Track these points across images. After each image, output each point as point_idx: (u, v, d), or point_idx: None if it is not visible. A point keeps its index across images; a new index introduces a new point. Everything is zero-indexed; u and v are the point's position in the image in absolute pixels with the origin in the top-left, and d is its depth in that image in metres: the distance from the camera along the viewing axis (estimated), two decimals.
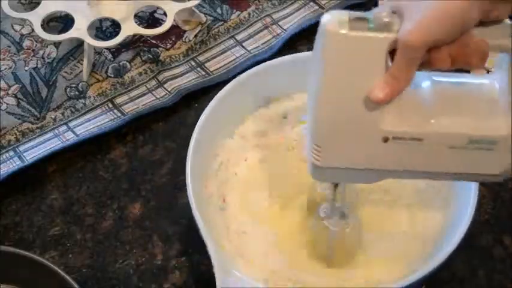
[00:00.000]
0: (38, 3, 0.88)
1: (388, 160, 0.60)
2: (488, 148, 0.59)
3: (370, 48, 0.55)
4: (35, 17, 0.86)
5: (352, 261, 0.72)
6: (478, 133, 0.58)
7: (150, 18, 0.93)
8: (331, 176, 0.63)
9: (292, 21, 0.93)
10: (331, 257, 0.72)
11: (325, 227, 0.70)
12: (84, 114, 0.85)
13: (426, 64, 0.56)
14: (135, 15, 0.88)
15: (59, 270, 0.69)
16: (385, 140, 0.58)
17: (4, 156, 0.81)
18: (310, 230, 0.73)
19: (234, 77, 0.78)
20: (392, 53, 0.55)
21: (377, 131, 0.58)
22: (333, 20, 0.55)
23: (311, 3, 0.95)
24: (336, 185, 0.67)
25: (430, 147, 0.59)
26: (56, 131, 0.84)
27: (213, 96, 0.76)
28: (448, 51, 0.55)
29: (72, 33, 0.86)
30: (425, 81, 0.60)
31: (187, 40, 0.92)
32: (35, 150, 0.82)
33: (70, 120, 0.85)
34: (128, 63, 0.90)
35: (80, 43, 0.90)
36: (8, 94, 0.87)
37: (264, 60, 0.81)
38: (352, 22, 0.55)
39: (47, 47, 0.91)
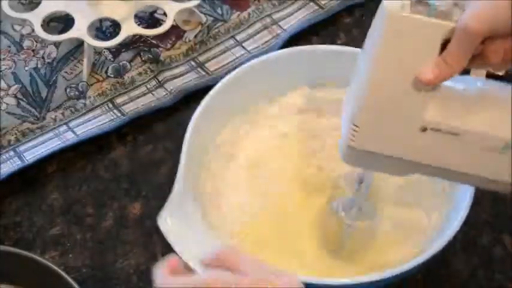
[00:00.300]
0: (38, 3, 0.88)
1: (422, 152, 0.60)
2: None
3: (427, 33, 0.56)
4: (35, 17, 0.87)
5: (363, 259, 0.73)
6: None
7: (150, 18, 0.93)
8: (362, 160, 0.63)
9: (292, 21, 0.94)
10: (342, 252, 0.73)
11: (339, 220, 0.71)
12: (84, 114, 0.85)
13: (478, 57, 0.57)
14: (135, 16, 0.88)
15: (59, 270, 0.69)
16: (423, 129, 0.59)
17: (4, 156, 0.81)
18: (323, 222, 0.74)
19: None
20: (445, 44, 0.56)
21: (418, 118, 0.58)
22: (395, 1, 0.56)
23: (311, 3, 0.95)
24: (361, 181, 0.68)
25: (466, 145, 0.59)
26: (56, 131, 0.84)
27: None
28: (503, 45, 0.56)
29: (72, 33, 0.86)
30: (473, 83, 0.60)
31: (187, 40, 0.92)
32: (35, 150, 0.82)
33: (70, 120, 0.85)
34: (128, 63, 0.90)
35: (80, 43, 0.90)
36: (8, 94, 0.87)
37: None
38: (414, 5, 0.56)
39: (47, 47, 0.91)
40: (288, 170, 0.79)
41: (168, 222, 0.69)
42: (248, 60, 0.89)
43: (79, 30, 0.86)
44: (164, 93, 0.87)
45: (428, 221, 0.74)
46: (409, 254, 0.70)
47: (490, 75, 0.73)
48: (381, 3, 0.57)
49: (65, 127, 0.84)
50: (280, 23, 0.93)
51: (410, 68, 0.57)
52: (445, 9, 0.56)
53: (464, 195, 0.70)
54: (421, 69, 0.56)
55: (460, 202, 0.70)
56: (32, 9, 0.88)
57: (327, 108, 0.81)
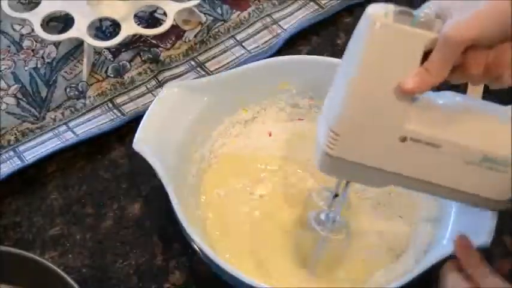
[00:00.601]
0: (38, 3, 0.88)
1: (402, 163, 0.60)
2: (502, 170, 0.59)
3: (409, 43, 0.56)
4: (35, 17, 0.86)
5: (334, 274, 0.73)
6: (493, 151, 0.59)
7: (150, 18, 0.93)
8: (339, 169, 0.62)
9: (292, 21, 0.94)
10: (315, 265, 0.72)
11: (314, 234, 0.70)
12: (84, 114, 0.85)
13: (459, 68, 0.57)
14: (135, 15, 0.88)
15: (59, 270, 0.68)
16: (403, 139, 0.59)
17: (4, 156, 0.81)
18: (297, 236, 0.74)
19: None
20: (427, 54, 0.56)
21: (397, 128, 0.58)
22: (378, 10, 0.56)
23: (311, 3, 0.95)
24: (336, 195, 0.67)
25: (445, 157, 0.59)
26: (56, 131, 0.84)
27: None
28: (484, 56, 0.56)
29: (72, 33, 0.86)
30: (452, 98, 0.60)
31: (187, 40, 0.92)
32: (34, 150, 0.82)
33: (70, 120, 0.85)
34: (127, 63, 0.90)
35: (79, 43, 0.90)
36: (7, 94, 0.87)
37: None
38: (397, 14, 0.56)
39: (46, 47, 0.91)
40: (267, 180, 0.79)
41: None
42: (248, 60, 0.89)
43: (79, 30, 0.86)
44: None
45: (412, 232, 0.74)
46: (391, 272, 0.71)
47: (487, 91, 0.74)
48: (365, 10, 0.57)
49: (64, 127, 0.84)
50: (280, 23, 0.93)
51: (392, 77, 0.57)
52: (427, 20, 0.56)
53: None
54: (402, 78, 0.56)
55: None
56: (32, 9, 0.88)
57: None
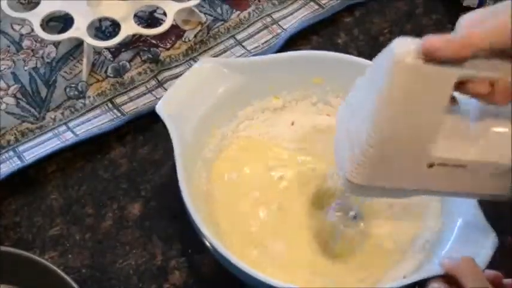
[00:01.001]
0: (38, 3, 0.88)
1: (428, 183, 0.61)
2: None
3: (438, 79, 0.56)
4: (35, 17, 0.86)
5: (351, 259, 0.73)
6: None
7: (149, 18, 0.93)
8: (365, 192, 0.63)
9: (292, 21, 0.93)
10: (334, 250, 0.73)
11: (332, 223, 0.71)
12: (83, 114, 0.85)
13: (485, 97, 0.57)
14: (135, 15, 0.88)
15: (59, 270, 0.68)
16: (430, 165, 0.59)
17: (4, 156, 0.81)
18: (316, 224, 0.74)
19: None
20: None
21: (424, 156, 0.59)
22: (404, 47, 0.55)
23: (311, 3, 0.95)
24: None
25: (472, 173, 0.60)
26: (56, 131, 0.84)
27: None
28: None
29: (71, 33, 0.86)
30: (478, 108, 0.60)
31: (187, 40, 0.92)
32: (34, 150, 0.82)
33: (70, 120, 0.85)
34: (127, 63, 0.90)
35: (79, 43, 0.90)
36: (7, 94, 0.87)
37: None
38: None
39: (46, 46, 0.91)
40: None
41: None
42: None
43: (78, 30, 0.85)
44: (164, 93, 0.86)
45: (424, 229, 0.74)
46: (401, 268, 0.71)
47: None
48: (389, 45, 0.57)
49: (64, 127, 0.84)
50: (280, 23, 0.93)
51: (419, 111, 0.57)
52: None
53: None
54: (429, 115, 0.57)
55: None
56: (32, 8, 0.88)
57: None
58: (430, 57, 0.55)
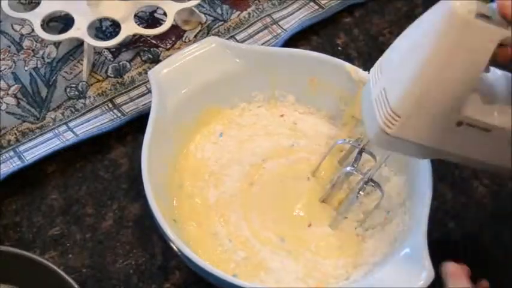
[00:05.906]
0: (38, 3, 0.88)
1: (454, 143, 0.63)
2: None
3: (485, 36, 0.58)
4: (35, 17, 0.86)
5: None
6: None
7: (150, 18, 0.93)
8: (393, 146, 0.65)
9: (292, 21, 0.94)
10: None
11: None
12: (84, 114, 0.85)
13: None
14: (135, 15, 0.88)
15: (59, 270, 0.69)
16: (459, 123, 0.62)
17: (4, 156, 0.81)
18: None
19: None
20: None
21: (456, 113, 0.61)
22: (463, 5, 0.58)
23: (311, 3, 0.95)
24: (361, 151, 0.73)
25: (494, 140, 0.63)
26: (56, 131, 0.84)
27: None
28: None
29: (72, 33, 0.86)
30: (504, 80, 0.63)
31: (187, 40, 0.92)
32: (34, 150, 0.82)
33: (70, 120, 0.85)
34: (127, 63, 0.90)
35: (80, 43, 0.90)
36: (7, 94, 0.87)
37: None
38: (478, 11, 0.58)
39: (46, 47, 0.91)
40: None
41: None
42: None
43: (79, 30, 0.86)
44: None
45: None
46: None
47: None
48: (449, 3, 0.59)
49: (64, 127, 0.84)
50: (280, 23, 0.93)
51: (461, 67, 0.59)
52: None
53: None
54: (470, 73, 0.59)
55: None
56: (32, 9, 0.88)
57: None
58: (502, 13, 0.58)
